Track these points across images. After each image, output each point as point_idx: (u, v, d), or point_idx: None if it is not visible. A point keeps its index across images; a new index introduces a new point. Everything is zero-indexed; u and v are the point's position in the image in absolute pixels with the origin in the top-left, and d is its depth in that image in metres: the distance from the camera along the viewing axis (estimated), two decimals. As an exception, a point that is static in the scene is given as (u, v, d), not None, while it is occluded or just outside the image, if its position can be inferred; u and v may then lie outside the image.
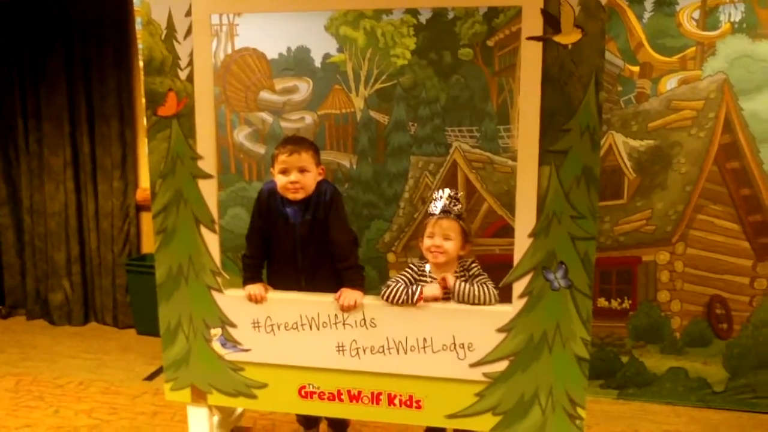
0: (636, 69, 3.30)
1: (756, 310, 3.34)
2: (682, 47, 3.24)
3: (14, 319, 4.93)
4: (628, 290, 3.46)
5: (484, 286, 2.36)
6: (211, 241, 2.48)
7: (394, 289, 2.39)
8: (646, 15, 3.25)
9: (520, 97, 2.19)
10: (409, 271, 2.50)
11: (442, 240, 2.42)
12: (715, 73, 3.22)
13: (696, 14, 3.20)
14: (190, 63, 2.39)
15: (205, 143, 2.43)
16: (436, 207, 2.46)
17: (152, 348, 4.23)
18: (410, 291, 2.38)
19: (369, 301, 2.44)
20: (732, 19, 3.17)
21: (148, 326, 4.39)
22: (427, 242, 2.45)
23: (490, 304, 2.34)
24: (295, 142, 2.57)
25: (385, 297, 2.39)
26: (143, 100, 2.53)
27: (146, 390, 3.67)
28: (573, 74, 2.14)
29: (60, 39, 4.47)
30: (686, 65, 3.25)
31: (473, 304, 2.35)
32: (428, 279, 2.47)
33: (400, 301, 2.37)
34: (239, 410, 3.03)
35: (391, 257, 3.72)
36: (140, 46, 3.68)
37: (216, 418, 2.72)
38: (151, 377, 3.85)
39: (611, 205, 3.40)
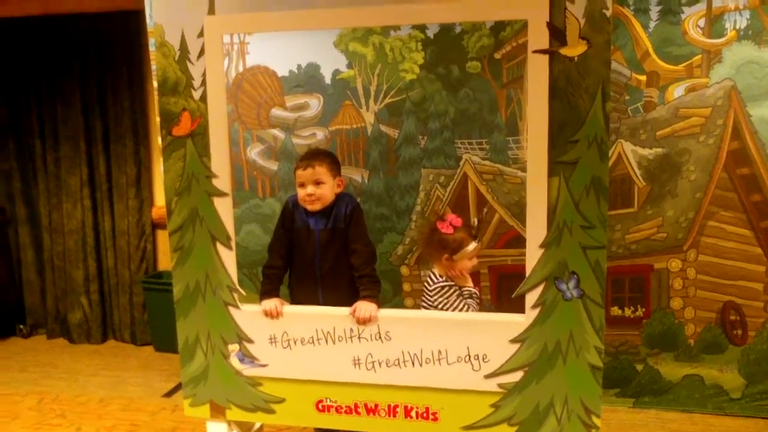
0: (643, 78, 3.32)
1: (771, 315, 3.33)
2: (688, 55, 3.25)
3: (35, 338, 4.99)
4: (641, 298, 3.46)
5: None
6: (228, 258, 2.51)
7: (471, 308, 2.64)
8: (652, 24, 3.27)
9: (528, 110, 2.21)
10: (449, 286, 2.63)
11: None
12: (721, 80, 3.23)
13: (701, 22, 3.22)
14: (204, 83, 2.41)
15: (220, 161, 2.46)
16: None
17: (170, 365, 4.28)
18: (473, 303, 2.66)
19: (384, 314, 2.46)
20: (737, 26, 3.19)
21: (165, 343, 4.44)
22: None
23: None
24: (310, 156, 2.66)
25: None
26: (157, 120, 2.58)
27: (165, 406, 3.71)
28: (580, 85, 2.15)
29: (76, 62, 4.56)
30: (693, 73, 3.26)
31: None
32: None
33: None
34: (257, 425, 3.04)
35: (404, 270, 3.75)
36: (154, 67, 3.73)
37: (234, 433, 2.75)
38: (170, 394, 3.89)
39: (622, 214, 3.42)
